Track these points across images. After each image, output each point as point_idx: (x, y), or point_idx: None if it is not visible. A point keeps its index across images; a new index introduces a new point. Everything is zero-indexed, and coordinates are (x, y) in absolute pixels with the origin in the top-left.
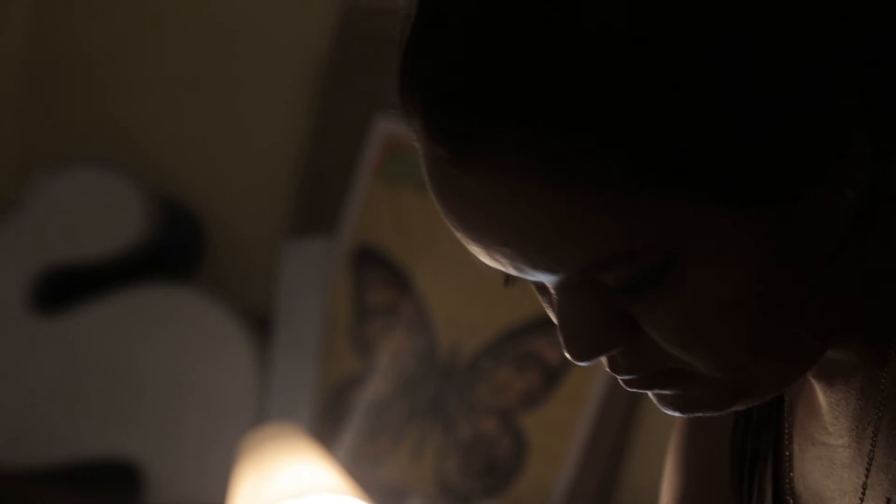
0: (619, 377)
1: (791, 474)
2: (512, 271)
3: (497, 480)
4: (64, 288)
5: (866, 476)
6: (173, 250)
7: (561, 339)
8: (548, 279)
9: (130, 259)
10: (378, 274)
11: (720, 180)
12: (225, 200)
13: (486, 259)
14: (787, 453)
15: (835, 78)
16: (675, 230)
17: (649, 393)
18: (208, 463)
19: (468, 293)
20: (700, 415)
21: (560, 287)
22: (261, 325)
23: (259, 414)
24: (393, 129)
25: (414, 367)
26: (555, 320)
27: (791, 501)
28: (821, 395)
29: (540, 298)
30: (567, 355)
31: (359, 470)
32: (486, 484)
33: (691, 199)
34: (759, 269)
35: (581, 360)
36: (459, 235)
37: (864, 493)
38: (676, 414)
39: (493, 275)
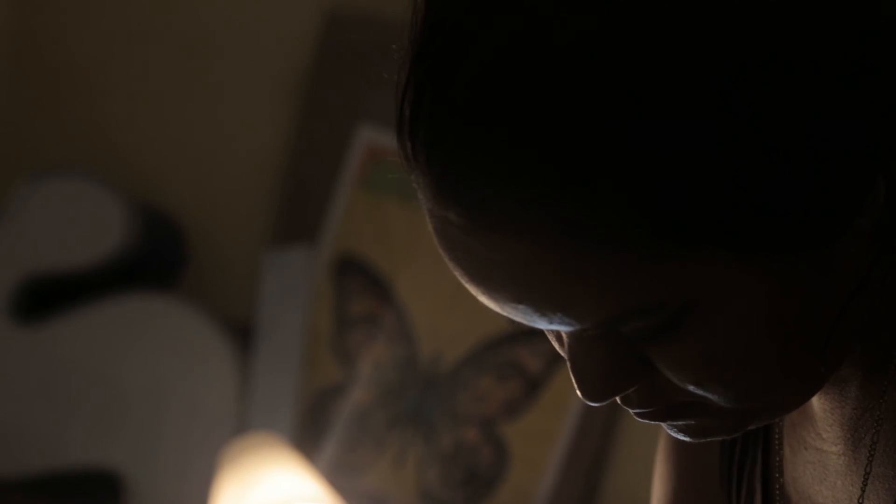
0: (631, 411)
1: (781, 479)
2: (525, 322)
3: (479, 489)
4: (45, 297)
5: (863, 486)
6: (154, 259)
7: (574, 381)
8: (563, 329)
9: (112, 268)
10: (360, 283)
11: (742, 237)
12: (206, 209)
13: (497, 310)
14: (778, 459)
15: (856, 132)
16: (694, 284)
17: (662, 423)
18: (189, 472)
19: (450, 302)
20: (714, 438)
21: (572, 335)
22: (242, 334)
23: (240, 423)
24: (375, 137)
25: (395, 376)
26: (567, 361)
27: None
28: (814, 401)
29: (549, 336)
30: (580, 396)
31: (340, 479)
32: (467, 493)
33: (712, 255)
34: (778, 316)
35: (595, 402)
36: (469, 288)
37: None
38: (689, 440)
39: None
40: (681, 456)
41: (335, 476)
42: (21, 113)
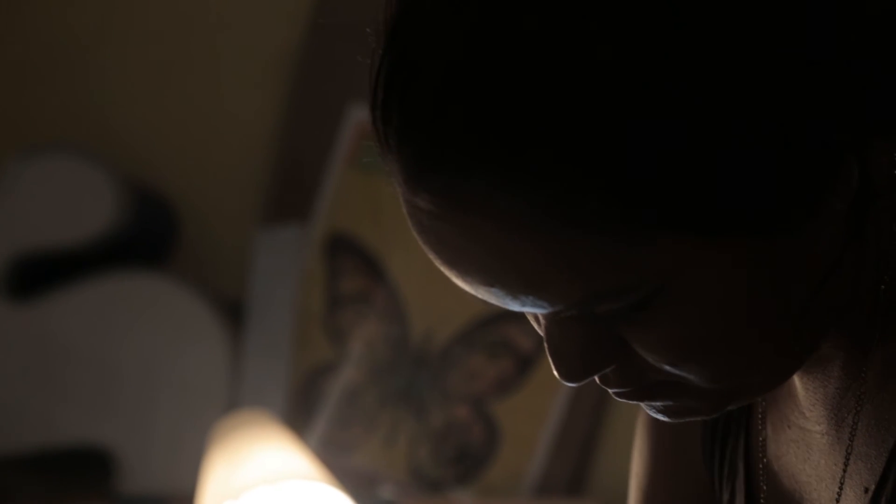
0: (609, 390)
1: (764, 458)
2: (500, 305)
3: (469, 467)
4: (36, 275)
5: (845, 465)
6: (146, 237)
7: (551, 362)
8: (536, 312)
9: (103, 246)
10: (351, 262)
11: (713, 219)
12: (198, 188)
13: (472, 292)
14: (761, 438)
15: (825, 111)
16: (666, 265)
17: (640, 403)
18: (180, 449)
19: (441, 281)
20: (694, 419)
21: (548, 316)
22: (233, 312)
23: (231, 401)
24: (367, 117)
25: (387, 354)
26: (544, 342)
27: (764, 487)
28: (797, 380)
29: (529, 318)
30: (558, 377)
31: (331, 457)
32: (458, 471)
33: (683, 237)
34: (752, 294)
35: (572, 383)
36: (444, 271)
37: (842, 482)
38: (669, 420)
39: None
40: (659, 434)
41: (326, 454)
42: (11, 90)
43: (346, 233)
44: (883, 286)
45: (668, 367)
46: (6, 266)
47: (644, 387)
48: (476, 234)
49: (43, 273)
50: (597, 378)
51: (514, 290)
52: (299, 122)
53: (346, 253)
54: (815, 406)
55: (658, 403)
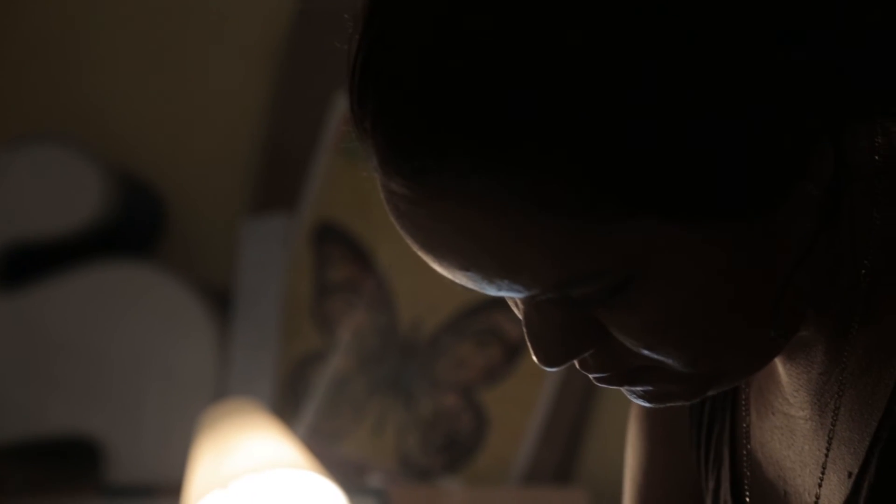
0: (589, 375)
1: (749, 445)
2: (477, 289)
3: (458, 456)
4: (23, 265)
5: (827, 450)
6: (133, 227)
7: (530, 347)
8: (513, 296)
9: (90, 236)
10: (339, 250)
11: (684, 203)
12: (185, 176)
13: (449, 276)
14: (745, 424)
15: (795, 96)
16: (640, 250)
17: (621, 388)
18: (168, 438)
19: (429, 269)
20: (674, 404)
21: (526, 300)
22: (221, 301)
23: (219, 390)
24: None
25: (375, 343)
26: (523, 326)
27: (748, 473)
28: (780, 367)
29: (509, 303)
30: (536, 362)
31: (319, 446)
32: (447, 459)
33: (655, 221)
34: (726, 278)
35: (550, 367)
36: (420, 255)
37: (824, 467)
38: (649, 406)
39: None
40: (652, 426)
41: (314, 443)
42: None
43: (333, 221)
44: (863, 271)
45: (646, 352)
46: None
47: (624, 372)
48: (450, 218)
49: (30, 263)
50: (577, 363)
51: (490, 274)
52: (286, 110)
53: (333, 241)
54: (798, 392)
55: (638, 389)
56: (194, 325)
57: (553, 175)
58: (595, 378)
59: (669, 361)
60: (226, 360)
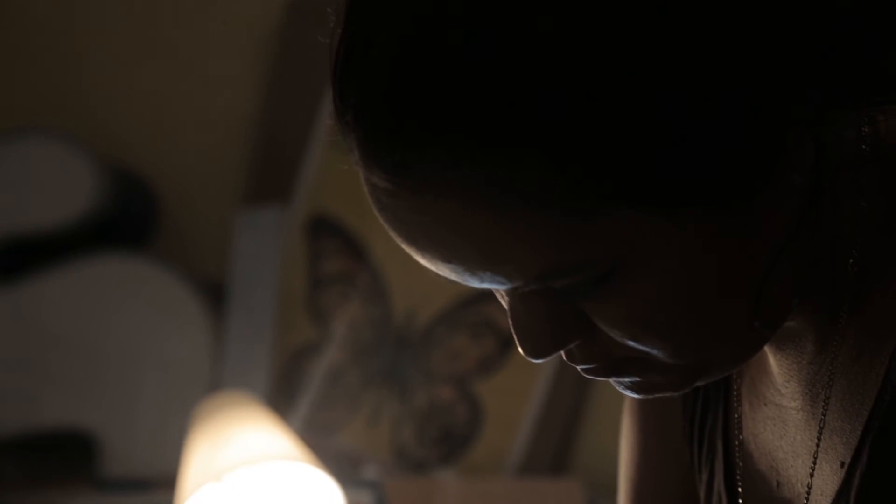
0: (577, 367)
1: (741, 436)
2: (460, 281)
3: (453, 447)
4: (17, 259)
5: (818, 439)
6: (126, 220)
7: (515, 338)
8: (496, 288)
9: (83, 229)
10: (333, 242)
11: (662, 193)
12: (178, 169)
13: (433, 269)
14: (737, 416)
15: (766, 81)
16: (620, 240)
17: (608, 379)
18: (163, 432)
19: None
20: (661, 395)
21: (510, 292)
22: (216, 293)
23: (214, 383)
24: None
25: (369, 335)
26: (508, 318)
27: (740, 463)
28: (772, 358)
29: (496, 294)
30: (522, 353)
31: (314, 438)
32: (442, 451)
33: (634, 212)
34: (706, 267)
35: (536, 359)
36: (404, 247)
37: (815, 457)
38: (637, 397)
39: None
40: (645, 420)
41: (309, 435)
42: None
43: (327, 214)
44: (851, 260)
45: (631, 343)
46: None
47: (610, 363)
48: (431, 211)
49: (24, 257)
50: (563, 355)
51: (472, 266)
52: (280, 103)
53: (327, 234)
54: (789, 382)
55: (626, 380)
56: (188, 318)
57: (530, 167)
58: (582, 370)
59: (655, 352)
60: (220, 353)
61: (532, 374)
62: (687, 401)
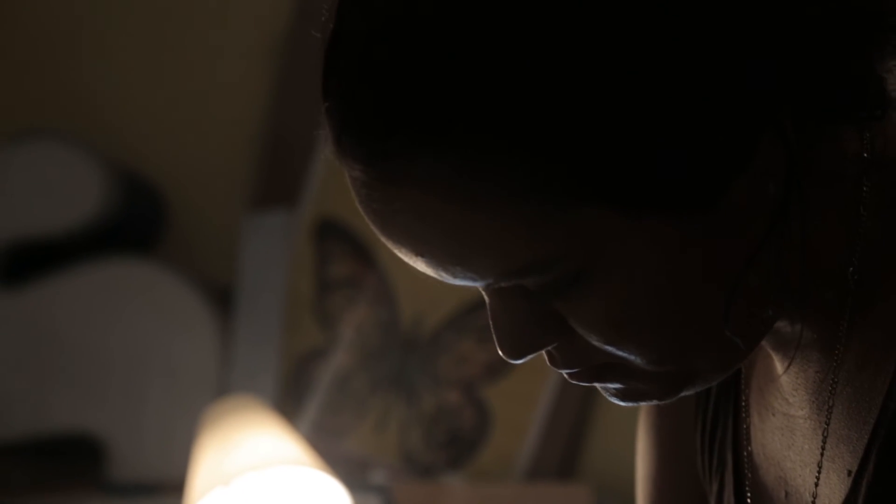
0: (560, 371)
1: (750, 447)
2: (436, 277)
3: (461, 452)
4: (25, 263)
5: (822, 447)
6: (134, 224)
7: (494, 336)
8: (469, 284)
9: (92, 233)
10: (341, 246)
11: (628, 194)
12: (186, 173)
13: (410, 263)
14: (746, 426)
15: (737, 86)
16: (589, 239)
17: (593, 385)
18: (171, 436)
19: None
20: (647, 403)
21: (487, 289)
22: (223, 297)
23: (221, 387)
24: None
25: (377, 339)
26: (488, 317)
27: (749, 475)
28: (779, 367)
29: (482, 292)
30: (500, 353)
31: (322, 442)
32: (449, 455)
33: (602, 212)
34: (678, 270)
35: (513, 359)
36: (383, 241)
37: (820, 466)
38: (623, 404)
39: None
40: (662, 425)
41: (317, 439)
42: None
43: (334, 217)
44: (852, 268)
45: (608, 347)
46: None
47: (592, 368)
48: (399, 202)
49: (32, 260)
50: (546, 358)
51: (442, 261)
52: (287, 106)
53: (334, 237)
54: (797, 391)
55: (610, 386)
56: (196, 322)
57: (496, 161)
58: (566, 374)
59: (632, 358)
60: (228, 357)
61: (540, 379)
62: (698, 411)
